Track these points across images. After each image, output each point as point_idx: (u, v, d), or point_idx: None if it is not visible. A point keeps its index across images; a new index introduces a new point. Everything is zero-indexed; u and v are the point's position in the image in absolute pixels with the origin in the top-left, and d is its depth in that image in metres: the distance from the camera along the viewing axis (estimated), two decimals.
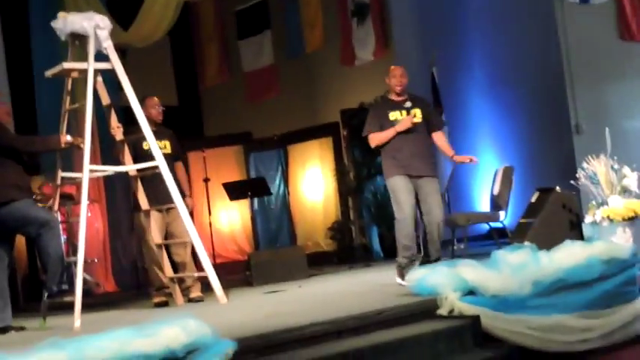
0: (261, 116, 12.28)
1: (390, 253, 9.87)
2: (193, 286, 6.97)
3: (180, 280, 6.89)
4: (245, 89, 12.78)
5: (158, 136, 6.95)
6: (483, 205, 9.98)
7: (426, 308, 5.09)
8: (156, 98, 7.27)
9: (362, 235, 10.67)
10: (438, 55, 10.45)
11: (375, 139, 6.60)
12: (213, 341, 4.09)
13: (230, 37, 13.09)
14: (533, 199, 6.68)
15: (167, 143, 7.21)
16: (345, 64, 11.46)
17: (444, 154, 6.95)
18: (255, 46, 12.72)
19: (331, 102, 11.51)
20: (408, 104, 6.62)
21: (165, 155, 6.89)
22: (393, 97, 6.70)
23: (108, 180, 9.59)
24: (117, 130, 6.80)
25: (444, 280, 5.14)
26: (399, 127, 6.50)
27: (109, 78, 6.86)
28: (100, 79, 6.69)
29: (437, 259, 6.45)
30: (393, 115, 6.59)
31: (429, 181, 6.57)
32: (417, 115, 6.59)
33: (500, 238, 8.13)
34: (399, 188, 6.51)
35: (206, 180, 10.57)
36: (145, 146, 6.77)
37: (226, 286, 6.84)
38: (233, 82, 13.00)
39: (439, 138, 6.81)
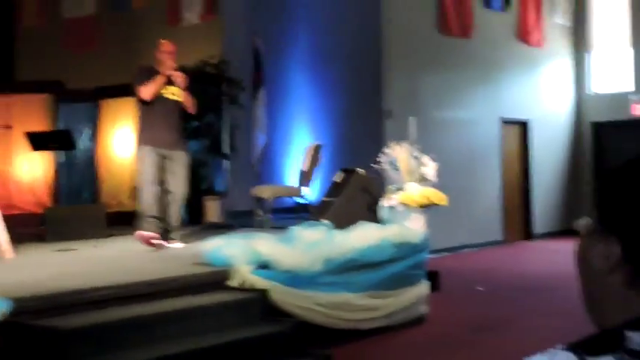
0: (77, 67, 11.80)
1: (194, 218, 9.82)
2: None
3: None
4: (63, 36, 12.21)
5: None
6: (293, 181, 10.11)
7: (218, 279, 5.09)
8: None
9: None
10: (264, 26, 10.45)
11: (147, 88, 6.63)
12: None
13: None
14: (337, 179, 6.83)
15: None
16: (170, 24, 11.21)
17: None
18: None
19: (151, 61, 11.21)
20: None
21: None
22: (162, 69, 6.79)
23: None
24: None
25: (239, 252, 5.16)
26: (166, 72, 6.66)
27: None
28: None
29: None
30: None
31: (183, 155, 6.84)
32: (177, 91, 6.77)
33: (305, 213, 8.27)
34: (146, 160, 6.66)
35: (9, 126, 10.02)
36: None
37: (17, 239, 6.53)
38: (52, 27, 12.39)
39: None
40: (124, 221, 9.33)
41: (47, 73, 11.85)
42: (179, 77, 6.72)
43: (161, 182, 6.71)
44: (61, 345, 3.91)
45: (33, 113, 11.24)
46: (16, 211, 10.12)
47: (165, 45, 6.89)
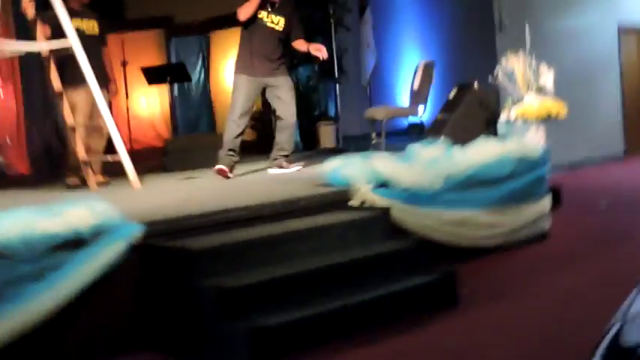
0: (185, 1, 11.91)
1: (310, 144, 9.90)
2: (99, 171, 6.92)
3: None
4: None
5: (85, 15, 6.86)
6: (405, 101, 10.01)
7: (339, 199, 5.13)
8: None
9: None
10: None
11: (244, 8, 6.57)
12: (121, 224, 4.05)
13: None
14: (451, 95, 6.72)
15: (94, 24, 7.01)
16: None
17: (301, 49, 6.98)
18: None
19: None
20: (276, 7, 6.68)
21: (93, 37, 6.88)
22: None
23: (24, 59, 9.22)
24: (27, 8, 6.48)
25: (358, 172, 5.17)
26: None
27: None
28: None
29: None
30: (261, 13, 6.65)
31: (285, 80, 6.75)
32: (281, 22, 6.68)
33: (419, 133, 8.20)
34: (240, 89, 6.62)
35: (124, 63, 10.27)
36: (73, 24, 6.49)
37: (142, 171, 6.76)
38: None
39: (298, 45, 6.87)
40: (243, 151, 9.52)
41: (155, 9, 12.03)
42: None
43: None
44: (191, 263, 4.05)
45: (146, 49, 11.50)
46: (137, 146, 10.47)
47: None
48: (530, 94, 6.20)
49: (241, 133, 6.69)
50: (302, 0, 10.00)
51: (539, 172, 5.97)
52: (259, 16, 6.66)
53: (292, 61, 10.17)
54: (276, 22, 6.69)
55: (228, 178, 6.58)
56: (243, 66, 6.67)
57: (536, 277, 5.10)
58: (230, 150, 6.63)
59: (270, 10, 6.67)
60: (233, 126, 6.63)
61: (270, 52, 6.67)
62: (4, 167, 9.02)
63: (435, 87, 8.56)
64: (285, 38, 6.77)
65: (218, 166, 6.61)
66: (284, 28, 6.73)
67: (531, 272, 5.27)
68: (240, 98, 6.61)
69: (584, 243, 5.96)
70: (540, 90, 6.24)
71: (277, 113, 6.85)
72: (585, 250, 5.74)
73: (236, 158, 6.71)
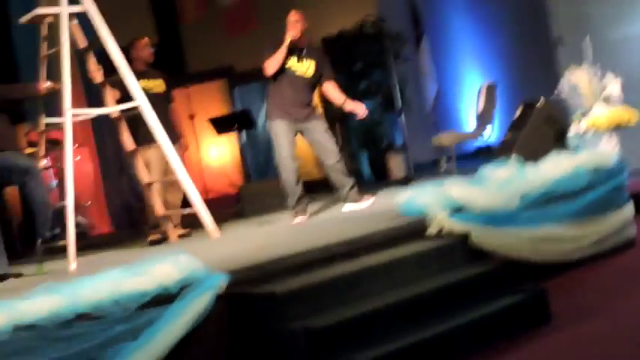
0: (243, 49, 12.08)
1: (380, 175, 9.93)
2: (179, 224, 7.06)
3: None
4: (224, 24, 12.61)
5: (150, 75, 7.10)
6: (471, 125, 9.98)
7: (415, 229, 5.12)
8: (146, 38, 7.30)
9: (352, 160, 10.68)
10: None
11: (270, 61, 6.52)
12: (206, 275, 4.14)
13: None
14: (517, 114, 6.69)
15: (161, 82, 7.23)
16: None
17: (335, 102, 6.92)
18: None
19: (311, 31, 11.34)
20: (304, 53, 6.62)
21: (160, 95, 7.09)
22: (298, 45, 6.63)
23: (95, 123, 9.54)
24: (95, 74, 6.73)
25: (432, 200, 5.16)
26: (288, 38, 6.46)
27: (88, 21, 6.75)
28: (75, 22, 6.59)
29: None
30: (290, 61, 6.58)
31: (319, 123, 6.66)
32: (311, 67, 6.61)
33: (488, 155, 8.15)
34: (279, 134, 6.55)
35: (192, 117, 10.52)
36: (140, 85, 6.70)
37: (219, 220, 6.86)
38: (212, 16, 12.82)
39: (328, 86, 6.80)
40: (312, 189, 9.61)
41: (216, 61, 12.30)
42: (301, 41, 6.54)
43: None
44: (276, 308, 4.10)
45: (211, 100, 11.77)
46: (212, 195, 10.66)
47: (291, 15, 6.65)
48: (598, 104, 6.14)
49: (299, 178, 6.60)
50: (356, 37, 10.14)
51: (617, 181, 5.87)
52: (287, 65, 6.58)
53: (353, 98, 10.27)
54: (305, 69, 6.62)
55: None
56: (276, 113, 6.61)
57: (628, 288, 4.99)
58: (298, 198, 6.58)
59: (298, 56, 6.59)
60: (286, 173, 6.56)
61: (302, 100, 6.61)
62: (87, 228, 9.28)
63: (500, 107, 8.53)
64: (317, 82, 6.71)
65: (296, 220, 6.57)
66: (314, 74, 6.65)
67: (621, 283, 5.16)
68: (283, 142, 6.55)
69: None
70: (608, 99, 6.16)
71: (319, 156, 6.79)
72: None
73: (307, 200, 6.69)
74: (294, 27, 6.55)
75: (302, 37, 6.62)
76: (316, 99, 7.05)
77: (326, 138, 6.67)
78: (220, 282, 4.17)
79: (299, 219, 6.59)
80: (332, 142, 6.70)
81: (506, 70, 10.59)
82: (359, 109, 6.80)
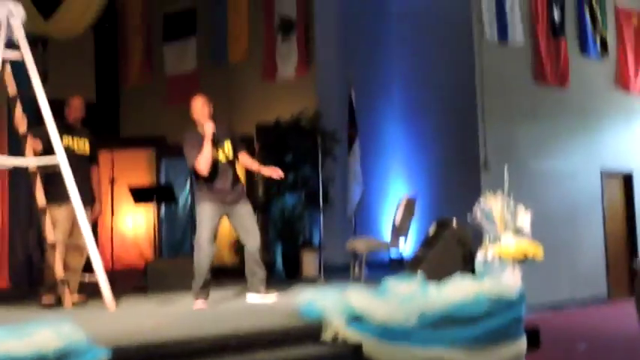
0: (178, 121, 12.13)
1: (292, 271, 9.89)
2: (75, 290, 6.89)
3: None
4: (166, 93, 12.68)
5: (77, 133, 7.03)
6: (387, 234, 10.09)
7: (312, 331, 5.09)
8: (80, 99, 7.23)
9: (266, 252, 10.63)
10: (358, 78, 10.58)
11: (201, 162, 6.45)
12: (87, 348, 4.02)
13: (155, 39, 13.00)
14: (430, 231, 6.78)
15: (85, 142, 7.14)
16: (266, 79, 11.48)
17: (252, 169, 7.03)
18: (179, 50, 12.69)
19: (248, 115, 11.49)
20: (220, 138, 6.61)
21: (83, 156, 7.02)
22: (200, 129, 6.61)
23: (13, 172, 9.34)
24: (20, 123, 6.63)
25: (332, 305, 5.16)
26: (207, 130, 6.43)
27: (23, 69, 6.68)
28: (8, 69, 6.53)
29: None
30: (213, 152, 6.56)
31: (244, 207, 6.67)
32: (228, 148, 6.64)
33: (400, 267, 8.22)
34: (204, 216, 6.52)
35: (112, 181, 10.38)
36: (64, 142, 6.61)
37: (120, 292, 6.73)
38: (153, 84, 12.89)
39: (243, 157, 6.82)
40: (224, 275, 9.50)
41: (150, 129, 12.29)
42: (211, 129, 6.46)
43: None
44: None
45: (136, 168, 11.66)
46: (119, 265, 10.44)
47: (197, 101, 6.65)
48: (508, 234, 6.26)
49: (211, 263, 6.52)
50: (291, 128, 10.26)
51: (515, 313, 5.94)
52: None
53: (279, 188, 10.33)
54: (225, 153, 6.63)
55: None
56: (204, 197, 6.57)
57: None
58: (204, 283, 6.49)
59: (216, 145, 6.57)
60: (201, 254, 6.47)
61: (229, 183, 6.60)
62: None
63: (419, 221, 8.66)
64: (234, 163, 6.73)
65: (197, 304, 6.45)
66: (233, 155, 6.69)
67: None
68: (206, 225, 6.48)
69: None
70: (518, 231, 6.30)
71: (242, 241, 6.74)
72: None
73: (209, 286, 6.57)
74: (205, 115, 6.55)
75: (213, 122, 6.57)
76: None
77: (251, 223, 6.68)
78: (100, 356, 4.04)
79: (200, 303, 6.48)
80: (256, 227, 6.71)
81: (432, 186, 10.81)
82: (275, 173, 6.76)
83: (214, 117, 6.67)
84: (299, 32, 11.13)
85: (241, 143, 6.93)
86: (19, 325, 4.08)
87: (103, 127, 11.28)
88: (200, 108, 6.62)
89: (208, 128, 6.47)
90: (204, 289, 6.54)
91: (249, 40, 11.70)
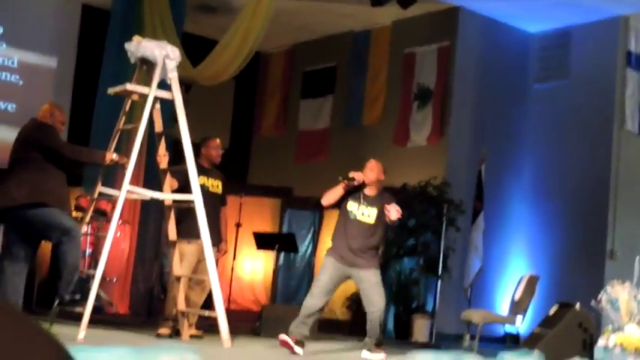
0: (306, 175, 12.41)
1: (402, 334, 9.84)
2: (194, 324, 7.07)
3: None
4: (296, 147, 12.94)
5: (212, 174, 7.28)
6: (504, 309, 9.92)
7: None
8: (218, 140, 7.54)
9: None
10: (489, 152, 10.56)
11: (325, 195, 6.63)
12: None
13: (293, 95, 13.33)
14: (551, 312, 6.65)
15: (220, 184, 7.39)
16: (397, 144, 11.57)
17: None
18: (315, 107, 12.93)
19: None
20: (371, 200, 6.62)
21: (215, 195, 7.27)
22: (366, 190, 6.68)
23: (145, 204, 9.77)
24: (162, 159, 6.95)
25: None
26: (355, 177, 6.53)
27: (168, 108, 7.04)
28: (158, 106, 6.87)
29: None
30: (350, 204, 6.61)
31: (369, 273, 6.58)
32: (372, 214, 6.59)
33: (514, 343, 8.06)
34: (325, 270, 6.58)
35: (238, 225, 10.68)
36: (199, 181, 6.85)
37: (234, 332, 6.86)
38: (285, 137, 13.20)
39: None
40: (332, 329, 9.57)
41: (277, 179, 12.57)
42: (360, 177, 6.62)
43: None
44: None
45: (261, 215, 11.94)
46: (234, 306, 10.66)
47: (368, 162, 6.85)
48: (632, 324, 6.08)
49: (319, 311, 6.56)
50: (418, 194, 10.30)
51: None
52: (349, 208, 6.61)
53: (398, 252, 10.36)
54: (367, 215, 6.60)
55: (294, 353, 6.39)
56: (331, 251, 6.66)
57: None
58: (303, 323, 6.50)
59: (361, 202, 6.60)
60: (310, 300, 6.52)
61: (358, 246, 6.54)
62: (105, 304, 9.33)
63: (537, 300, 8.48)
64: (377, 229, 6.64)
65: (282, 336, 6.43)
66: (375, 221, 6.61)
67: None
68: (323, 277, 6.55)
69: None
70: None
71: (363, 304, 6.70)
72: None
73: (306, 333, 6.55)
74: (364, 173, 6.67)
75: (372, 186, 6.69)
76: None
77: (374, 290, 6.55)
78: None
79: (283, 340, 6.40)
80: (379, 294, 6.58)
81: (553, 267, 10.59)
82: (396, 211, 6.48)
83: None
84: (435, 102, 11.19)
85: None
86: (144, 348, 4.23)
87: (233, 172, 11.66)
88: (366, 169, 6.74)
89: (355, 176, 6.59)
90: (298, 330, 6.49)
91: (384, 104, 11.84)
